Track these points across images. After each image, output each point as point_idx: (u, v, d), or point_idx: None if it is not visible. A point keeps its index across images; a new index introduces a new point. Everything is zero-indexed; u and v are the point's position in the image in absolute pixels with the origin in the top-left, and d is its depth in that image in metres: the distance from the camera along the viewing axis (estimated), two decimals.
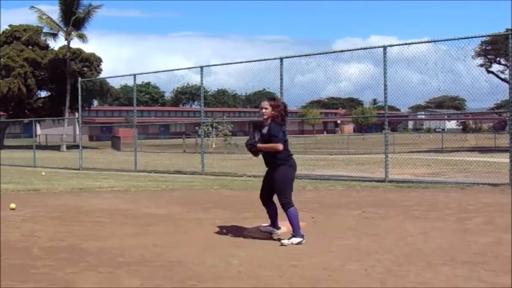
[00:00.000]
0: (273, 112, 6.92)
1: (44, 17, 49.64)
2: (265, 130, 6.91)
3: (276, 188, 6.92)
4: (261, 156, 7.16)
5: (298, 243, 6.66)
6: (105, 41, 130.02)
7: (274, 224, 7.30)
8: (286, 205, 6.83)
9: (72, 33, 50.10)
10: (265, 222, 7.57)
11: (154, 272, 5.52)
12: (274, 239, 7.05)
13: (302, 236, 6.76)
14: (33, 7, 49.42)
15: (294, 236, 6.75)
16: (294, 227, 6.80)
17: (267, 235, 7.24)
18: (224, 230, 7.71)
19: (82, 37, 50.01)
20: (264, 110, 6.92)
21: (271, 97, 7.17)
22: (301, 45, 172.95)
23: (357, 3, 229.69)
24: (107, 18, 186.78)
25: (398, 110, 63.88)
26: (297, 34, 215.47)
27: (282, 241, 6.74)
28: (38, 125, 61.47)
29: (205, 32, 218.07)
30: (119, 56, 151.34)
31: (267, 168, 7.17)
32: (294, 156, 7.19)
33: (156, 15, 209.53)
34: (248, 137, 7.20)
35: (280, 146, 6.82)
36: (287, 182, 6.92)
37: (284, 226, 7.52)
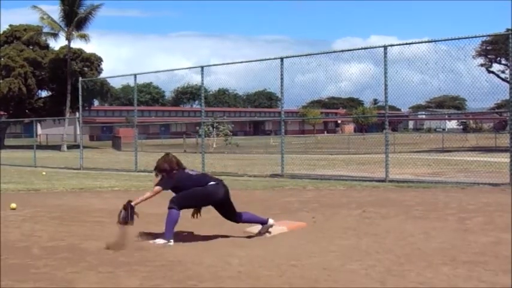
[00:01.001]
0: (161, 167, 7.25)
1: (45, 16, 49.69)
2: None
3: (181, 193, 7.09)
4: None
5: (163, 245, 6.79)
6: (105, 41, 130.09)
7: (261, 222, 7.38)
8: (170, 206, 7.03)
9: (73, 33, 50.12)
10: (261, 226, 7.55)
11: (154, 272, 5.51)
12: (273, 239, 7.05)
13: (169, 240, 6.87)
14: (35, 6, 49.47)
15: (163, 237, 6.92)
16: (166, 228, 6.95)
17: (266, 233, 7.26)
18: (224, 230, 7.70)
19: (84, 37, 50.05)
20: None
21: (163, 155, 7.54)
22: (300, 45, 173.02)
23: (357, 3, 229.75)
24: (107, 18, 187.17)
25: (398, 109, 63.83)
26: (296, 34, 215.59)
27: (151, 241, 6.92)
28: (38, 124, 61.32)
29: (204, 31, 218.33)
30: (119, 55, 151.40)
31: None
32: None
33: (155, 15, 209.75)
34: None
35: (156, 189, 7.22)
36: (191, 195, 7.10)
37: (284, 226, 7.53)
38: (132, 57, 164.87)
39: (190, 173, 7.27)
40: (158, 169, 7.21)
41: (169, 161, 7.26)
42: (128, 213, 6.96)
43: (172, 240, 6.88)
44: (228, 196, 7.23)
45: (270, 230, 7.32)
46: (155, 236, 7.14)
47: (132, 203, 7.05)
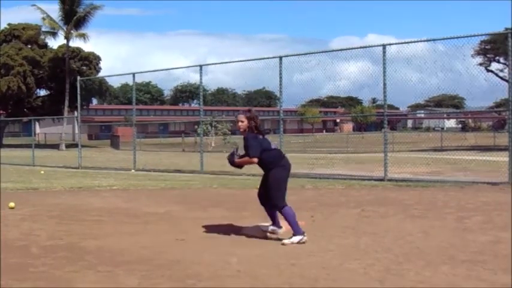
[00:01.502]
0: (248, 124, 6.93)
1: (44, 16, 49.69)
2: (243, 143, 6.97)
3: (269, 191, 6.95)
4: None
5: (299, 242, 6.64)
6: (103, 40, 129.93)
7: (275, 222, 7.28)
8: (277, 208, 6.92)
9: (72, 32, 50.09)
10: (264, 221, 7.56)
11: (153, 271, 5.51)
12: (273, 238, 7.05)
13: (302, 233, 6.75)
14: (35, 5, 49.44)
15: (294, 234, 6.74)
16: (291, 225, 6.79)
17: (265, 234, 7.24)
18: (223, 229, 7.71)
19: (83, 36, 50.01)
20: (240, 124, 6.95)
21: (247, 109, 7.18)
22: (298, 43, 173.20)
23: (354, 2, 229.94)
24: (105, 16, 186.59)
25: (397, 108, 64.00)
26: (293, 33, 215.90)
27: (283, 241, 6.72)
28: (37, 123, 61.39)
29: (202, 30, 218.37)
30: (116, 54, 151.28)
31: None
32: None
33: (153, 13, 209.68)
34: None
35: (254, 159, 6.86)
36: (280, 184, 6.95)
37: (283, 225, 7.52)
38: (130, 56, 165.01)
39: (269, 141, 7.11)
40: (247, 119, 6.92)
41: (256, 119, 7.04)
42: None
43: (304, 233, 6.77)
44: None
45: (274, 234, 7.24)
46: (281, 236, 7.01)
47: (235, 161, 7.07)
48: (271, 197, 6.92)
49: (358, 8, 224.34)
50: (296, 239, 6.69)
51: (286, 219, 6.84)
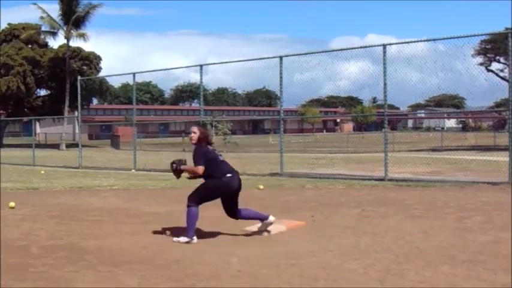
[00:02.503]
0: (200, 135, 7.12)
1: (44, 15, 49.70)
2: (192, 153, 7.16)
3: (195, 189, 7.19)
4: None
5: (186, 242, 6.82)
6: (103, 40, 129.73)
7: (261, 219, 7.36)
8: (188, 204, 7.08)
9: (72, 31, 50.09)
10: (259, 222, 7.56)
11: (153, 271, 5.51)
12: (272, 237, 7.05)
13: (192, 237, 6.90)
14: (35, 4, 49.46)
15: (185, 234, 6.94)
16: (189, 226, 6.98)
17: (264, 231, 7.26)
18: (223, 229, 7.70)
19: (83, 36, 50.01)
20: (192, 135, 7.15)
21: (197, 122, 7.46)
22: (298, 43, 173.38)
23: (354, 2, 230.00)
24: (105, 16, 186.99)
25: (397, 108, 64.00)
26: (293, 33, 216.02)
27: (174, 239, 6.98)
28: (37, 123, 61.42)
29: (202, 30, 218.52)
30: (116, 54, 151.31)
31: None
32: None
33: (153, 13, 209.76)
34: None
35: (199, 170, 7.00)
36: (207, 192, 7.15)
37: (283, 224, 7.52)
38: (130, 56, 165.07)
39: (217, 154, 7.25)
40: (199, 131, 7.15)
41: (206, 132, 7.36)
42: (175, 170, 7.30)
43: (195, 237, 6.91)
44: (239, 189, 7.25)
45: (269, 228, 7.32)
46: (175, 233, 7.17)
47: (181, 167, 7.28)
48: (192, 193, 7.17)
49: (358, 8, 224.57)
50: (184, 239, 6.88)
51: (187, 218, 7.01)
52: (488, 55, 38.15)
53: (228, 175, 7.08)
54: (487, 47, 36.92)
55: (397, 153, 22.05)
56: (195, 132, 7.12)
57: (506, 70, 21.48)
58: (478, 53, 36.99)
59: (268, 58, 17.58)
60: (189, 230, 6.94)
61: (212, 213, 9.26)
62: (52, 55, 52.40)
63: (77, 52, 52.90)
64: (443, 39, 14.55)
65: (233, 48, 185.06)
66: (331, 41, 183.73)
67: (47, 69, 52.53)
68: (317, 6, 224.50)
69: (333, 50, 16.95)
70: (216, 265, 5.70)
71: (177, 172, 7.36)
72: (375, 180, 14.30)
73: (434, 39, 14.79)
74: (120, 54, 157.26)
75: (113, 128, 62.84)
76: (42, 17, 49.58)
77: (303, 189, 12.41)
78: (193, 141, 7.13)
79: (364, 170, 17.03)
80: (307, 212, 8.89)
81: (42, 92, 57.54)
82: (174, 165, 7.33)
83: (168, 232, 7.50)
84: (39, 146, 40.52)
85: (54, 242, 7.04)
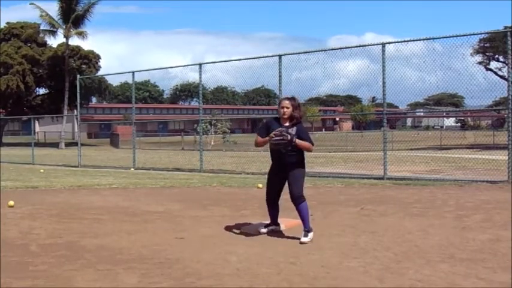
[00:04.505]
0: (293, 112, 6.82)
1: (43, 14, 49.66)
2: (292, 130, 6.74)
3: (297, 182, 6.82)
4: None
5: (311, 237, 6.71)
6: (100, 38, 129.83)
7: (275, 222, 7.31)
8: (302, 198, 6.79)
9: (71, 30, 50.05)
10: (263, 219, 7.56)
11: (152, 269, 5.51)
12: (271, 236, 7.05)
13: (311, 229, 6.81)
14: (32, 3, 49.39)
15: (308, 231, 6.72)
16: (307, 221, 6.76)
17: (264, 233, 7.25)
18: (222, 227, 7.71)
19: (82, 34, 49.99)
20: (285, 109, 6.80)
21: (291, 96, 7.01)
22: (296, 42, 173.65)
23: (352, 2, 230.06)
24: (102, 14, 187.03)
25: (396, 107, 63.95)
26: (291, 32, 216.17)
27: (302, 239, 6.62)
28: (36, 122, 61.40)
29: (199, 28, 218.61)
30: (114, 52, 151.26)
31: (274, 168, 7.03)
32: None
33: (151, 11, 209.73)
34: (260, 131, 7.05)
35: (312, 148, 6.88)
36: (303, 179, 6.96)
37: (282, 223, 7.52)
38: (128, 54, 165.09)
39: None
40: (294, 105, 6.81)
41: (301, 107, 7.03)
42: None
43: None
44: None
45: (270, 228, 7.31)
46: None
47: (293, 139, 6.65)
48: (300, 187, 6.82)
49: (356, 7, 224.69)
50: (312, 234, 6.72)
51: (302, 213, 6.76)
52: (487, 54, 38.18)
53: None
54: (485, 45, 36.95)
55: (396, 151, 22.10)
56: (288, 107, 6.79)
57: (505, 69, 21.51)
58: (477, 52, 37.03)
59: (267, 57, 17.60)
60: (308, 222, 6.76)
61: (211, 211, 9.29)
62: (51, 54, 52.38)
63: (76, 51, 52.89)
64: (442, 38, 14.58)
65: (231, 47, 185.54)
66: (328, 40, 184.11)
67: (46, 68, 52.54)
68: (315, 5, 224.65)
69: (332, 49, 16.93)
70: (215, 263, 5.70)
71: (287, 145, 6.68)
72: (374, 178, 14.30)
73: (433, 38, 14.81)
74: (117, 53, 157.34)
75: (112, 127, 62.87)
76: (41, 15, 49.59)
77: None
78: (285, 117, 6.80)
79: (363, 169, 17.04)
80: None
81: (42, 91, 57.60)
82: (288, 135, 6.62)
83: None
84: (38, 144, 40.52)
85: (53, 240, 7.04)
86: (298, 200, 6.79)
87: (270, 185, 7.15)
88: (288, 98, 6.96)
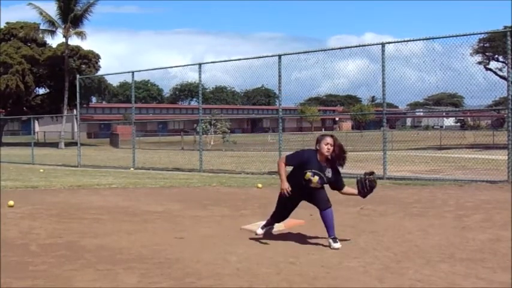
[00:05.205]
0: (333, 152, 6.59)
1: (43, 13, 49.65)
2: (328, 172, 6.61)
3: (323, 198, 6.60)
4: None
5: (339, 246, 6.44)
6: (100, 38, 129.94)
7: (271, 224, 7.28)
8: (328, 203, 6.58)
9: (71, 30, 50.04)
10: (262, 219, 7.55)
11: (152, 269, 5.51)
12: (271, 236, 7.05)
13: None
14: (31, 3, 49.37)
15: (335, 237, 6.46)
16: (332, 228, 6.50)
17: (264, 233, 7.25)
18: (222, 227, 7.71)
19: (80, 34, 49.97)
20: (329, 146, 6.54)
21: (332, 135, 6.78)
22: (295, 42, 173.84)
23: (351, 2, 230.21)
24: (102, 14, 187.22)
25: (396, 107, 63.94)
26: (291, 32, 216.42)
27: (333, 245, 6.36)
28: (36, 122, 61.34)
29: (199, 28, 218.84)
30: (113, 52, 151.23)
31: (295, 192, 6.63)
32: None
33: (150, 11, 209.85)
34: (292, 159, 6.72)
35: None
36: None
37: (282, 223, 7.52)
38: (127, 54, 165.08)
39: None
40: (337, 146, 6.59)
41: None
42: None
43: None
44: None
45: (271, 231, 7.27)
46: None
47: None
48: (325, 196, 6.62)
49: (355, 7, 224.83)
50: (337, 241, 6.46)
51: (328, 219, 6.51)
52: (486, 54, 38.18)
53: None
54: (485, 45, 36.95)
55: (395, 151, 22.09)
56: (332, 145, 6.56)
57: (505, 69, 21.51)
58: (477, 52, 37.03)
59: (266, 57, 17.60)
60: (334, 229, 6.50)
61: (211, 211, 9.29)
62: (51, 54, 52.34)
63: (76, 51, 52.86)
64: (442, 37, 14.57)
65: (230, 47, 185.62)
66: (328, 40, 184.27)
67: (45, 68, 52.49)
68: (315, 5, 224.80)
69: (332, 49, 16.93)
70: (215, 263, 5.70)
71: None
72: None
73: (432, 38, 14.81)
74: (117, 53, 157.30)
75: (111, 127, 62.82)
76: (41, 13, 49.56)
77: None
78: (327, 155, 6.57)
79: (363, 169, 16.95)
80: (306, 211, 8.86)
81: (41, 91, 57.56)
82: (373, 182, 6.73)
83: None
84: (38, 144, 40.51)
85: (53, 240, 7.04)
86: (326, 207, 6.58)
87: (284, 207, 6.90)
88: (331, 136, 6.71)
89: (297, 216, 7.02)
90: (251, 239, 6.98)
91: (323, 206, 6.55)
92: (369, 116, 72.21)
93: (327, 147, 6.53)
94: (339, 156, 6.61)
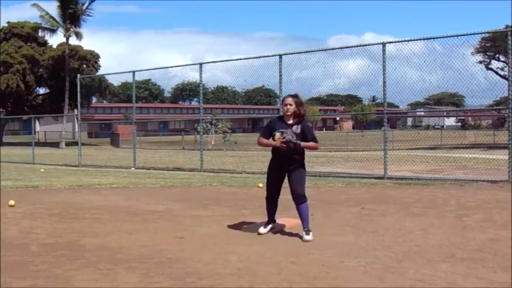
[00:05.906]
0: (296, 110, 6.88)
1: (43, 13, 49.70)
2: (296, 128, 6.86)
3: (299, 181, 6.92)
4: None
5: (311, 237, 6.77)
6: (100, 37, 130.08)
7: (272, 219, 7.31)
8: (303, 198, 6.90)
9: (71, 29, 50.07)
10: (263, 219, 7.55)
11: (152, 269, 5.51)
12: (272, 236, 7.05)
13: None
14: (35, 4, 49.47)
15: (309, 230, 6.80)
16: (307, 221, 6.87)
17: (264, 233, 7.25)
18: (223, 227, 7.71)
19: (77, 35, 50.07)
20: (288, 107, 6.87)
21: (294, 94, 7.07)
22: (295, 42, 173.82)
23: (352, 2, 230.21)
24: (102, 14, 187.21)
25: (397, 106, 63.93)
26: (291, 31, 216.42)
27: (306, 238, 6.71)
28: (37, 121, 61.42)
29: (199, 28, 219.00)
30: (114, 52, 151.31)
31: (274, 165, 7.07)
32: None
33: (150, 11, 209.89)
34: (264, 131, 7.11)
35: (319, 147, 7.01)
36: (305, 178, 7.08)
37: (283, 223, 7.52)
38: (127, 54, 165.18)
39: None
40: (297, 103, 6.87)
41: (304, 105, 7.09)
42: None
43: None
44: None
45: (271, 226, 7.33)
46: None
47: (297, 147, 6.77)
48: (303, 186, 6.93)
49: (356, 7, 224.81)
50: (311, 234, 6.79)
51: (303, 212, 6.87)
52: (488, 53, 38.18)
53: None
54: (486, 45, 36.96)
55: (396, 151, 22.08)
56: (291, 105, 6.86)
57: (506, 68, 21.49)
58: (478, 51, 37.03)
59: (267, 56, 17.61)
60: (308, 222, 6.86)
61: (212, 211, 9.28)
62: (52, 53, 52.38)
63: (76, 51, 52.88)
64: (443, 37, 14.57)
65: (230, 46, 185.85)
66: (328, 39, 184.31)
67: (46, 68, 52.52)
68: (315, 5, 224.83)
69: (333, 48, 16.92)
70: (215, 263, 5.70)
71: (294, 150, 6.80)
72: (375, 178, 14.29)
73: (433, 38, 14.81)
74: (117, 52, 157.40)
75: (112, 126, 62.88)
76: (41, 16, 49.65)
77: None
78: (288, 114, 6.87)
79: (363, 168, 17.04)
80: None
81: (42, 90, 57.61)
82: (291, 144, 6.74)
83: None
84: (38, 144, 40.54)
85: (54, 240, 7.04)
86: (300, 199, 6.89)
87: (270, 181, 7.20)
88: (291, 96, 7.03)
89: (297, 216, 7.01)
90: (251, 238, 6.98)
91: (299, 201, 6.90)
92: (370, 116, 72.29)
93: (286, 108, 6.89)
94: (300, 113, 6.92)
